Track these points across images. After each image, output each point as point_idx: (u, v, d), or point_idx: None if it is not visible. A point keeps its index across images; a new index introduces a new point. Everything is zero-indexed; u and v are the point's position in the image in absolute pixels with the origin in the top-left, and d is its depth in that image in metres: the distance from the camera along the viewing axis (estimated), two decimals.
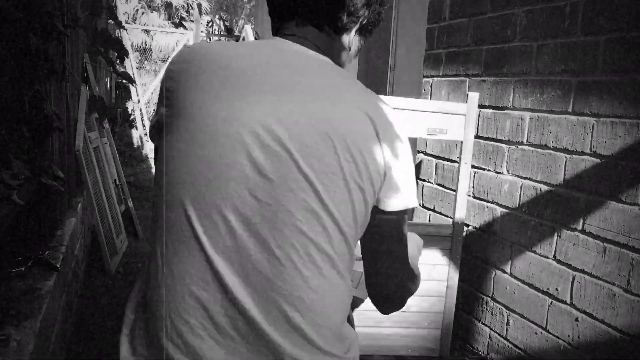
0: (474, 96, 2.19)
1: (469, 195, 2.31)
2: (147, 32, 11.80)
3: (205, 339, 0.76)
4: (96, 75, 4.01)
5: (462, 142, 2.19)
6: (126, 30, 7.05)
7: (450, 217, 2.41)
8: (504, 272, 2.11)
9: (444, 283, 2.23)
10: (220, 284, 0.76)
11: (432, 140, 2.55)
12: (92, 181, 3.19)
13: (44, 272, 1.61)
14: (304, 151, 0.75)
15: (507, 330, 2.10)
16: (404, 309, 2.35)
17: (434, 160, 2.54)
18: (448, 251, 2.22)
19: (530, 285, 1.99)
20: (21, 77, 1.62)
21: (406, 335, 2.27)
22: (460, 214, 2.18)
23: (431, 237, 2.18)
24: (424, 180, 2.62)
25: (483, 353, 2.21)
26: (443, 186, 2.50)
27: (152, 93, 9.09)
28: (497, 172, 2.17)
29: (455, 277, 2.23)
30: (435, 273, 2.22)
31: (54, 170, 1.71)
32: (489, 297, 2.19)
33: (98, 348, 2.30)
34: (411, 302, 2.11)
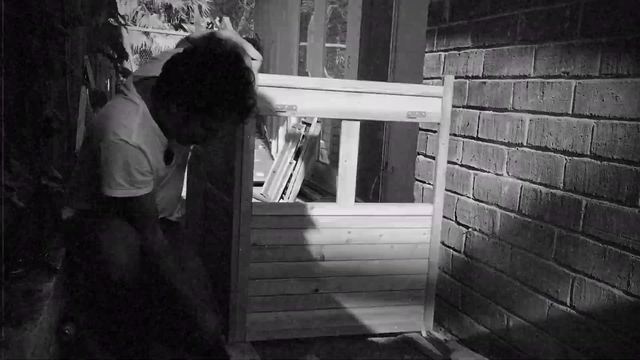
0: (449, 78, 2.34)
1: (469, 198, 2.32)
2: (146, 34, 11.82)
3: None
4: (96, 76, 4.00)
5: (439, 123, 2.35)
6: (127, 30, 7.04)
7: (451, 219, 2.42)
8: (504, 273, 2.12)
9: (425, 260, 2.40)
10: None
11: (430, 141, 2.55)
12: None
13: (44, 274, 1.61)
14: None
15: (507, 331, 2.10)
16: (389, 287, 2.49)
17: (433, 162, 2.54)
18: (429, 229, 2.39)
19: (530, 287, 1.99)
20: (21, 78, 1.63)
21: (389, 312, 2.38)
22: (441, 181, 2.41)
23: (413, 217, 2.41)
24: (423, 182, 2.62)
25: (483, 355, 2.21)
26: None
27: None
28: (497, 174, 2.17)
29: (436, 254, 2.41)
30: (417, 252, 2.39)
31: (53, 172, 1.71)
32: (489, 299, 2.19)
33: (98, 349, 2.29)
34: (395, 279, 2.38)
